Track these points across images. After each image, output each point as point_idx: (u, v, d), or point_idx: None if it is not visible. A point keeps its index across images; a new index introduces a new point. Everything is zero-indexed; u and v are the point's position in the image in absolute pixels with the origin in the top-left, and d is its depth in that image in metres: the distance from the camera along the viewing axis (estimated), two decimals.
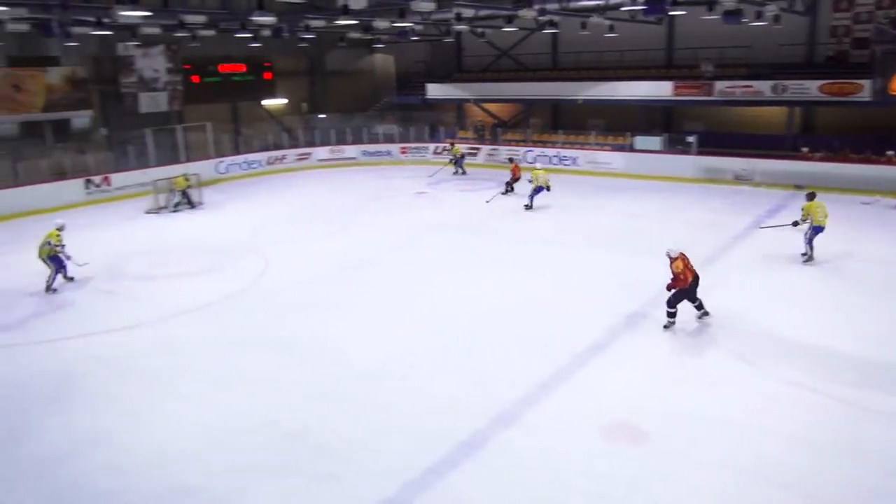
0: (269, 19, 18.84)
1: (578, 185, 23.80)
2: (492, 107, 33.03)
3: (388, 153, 30.20)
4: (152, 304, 12.95)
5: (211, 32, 24.42)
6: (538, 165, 21.54)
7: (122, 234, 18.51)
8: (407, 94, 33.71)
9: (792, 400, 8.72)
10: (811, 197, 14.38)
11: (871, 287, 12.76)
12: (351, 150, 30.19)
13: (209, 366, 10.26)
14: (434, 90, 31.78)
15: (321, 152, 29.91)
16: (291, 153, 29.47)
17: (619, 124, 27.00)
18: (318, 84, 34.49)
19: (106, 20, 19.13)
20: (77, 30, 20.88)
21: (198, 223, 19.98)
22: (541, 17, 22.54)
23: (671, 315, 10.86)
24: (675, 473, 7.31)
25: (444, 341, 10.84)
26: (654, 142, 25.38)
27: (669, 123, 28.00)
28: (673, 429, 8.13)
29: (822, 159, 21.94)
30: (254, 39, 25.17)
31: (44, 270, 13.67)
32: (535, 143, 28.10)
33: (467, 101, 32.14)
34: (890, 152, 20.81)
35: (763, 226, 16.54)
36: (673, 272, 10.58)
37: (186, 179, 21.77)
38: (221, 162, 27.08)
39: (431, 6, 17.22)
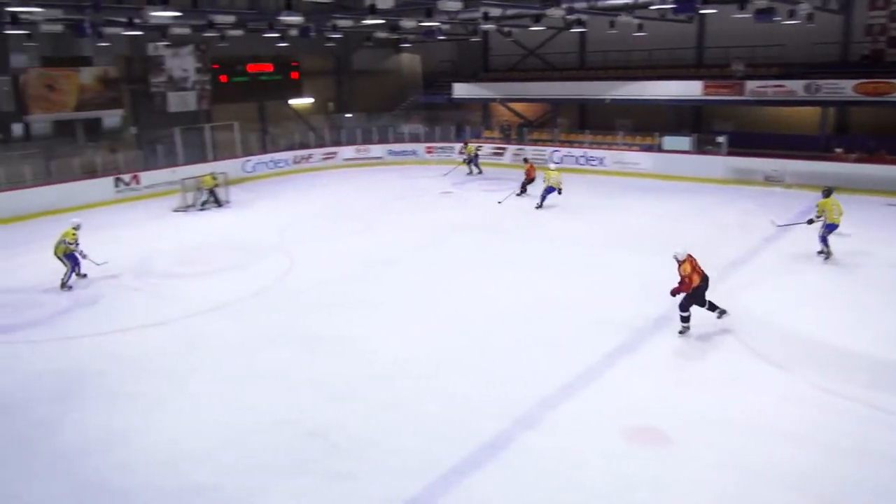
0: (296, 19, 18.95)
1: (605, 186, 23.57)
2: (518, 106, 32.83)
3: (414, 153, 30.20)
4: (177, 301, 13.06)
5: (239, 32, 24.62)
6: (552, 166, 21.40)
7: (149, 232, 18.72)
8: (433, 93, 33.64)
9: (819, 405, 8.52)
10: (827, 193, 14.09)
11: (889, 288, 12.55)
12: (377, 150, 30.25)
13: (229, 364, 10.27)
14: (460, 90, 31.69)
15: (347, 151, 30.01)
16: (318, 152, 29.59)
17: (647, 124, 26.70)
18: (344, 83, 34.60)
19: (137, 21, 19.41)
20: (109, 30, 21.22)
21: (224, 222, 20.14)
22: (568, 16, 22.32)
23: (685, 319, 10.66)
24: (696, 476, 7.18)
25: (468, 341, 10.77)
26: (683, 142, 25.00)
27: (699, 123, 27.62)
28: (693, 431, 8.00)
29: (856, 160, 21.45)
30: (281, 39, 25.36)
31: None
32: (562, 144, 27.87)
33: (493, 100, 31.99)
34: None
35: (778, 223, 16.20)
36: (680, 275, 10.39)
37: (214, 178, 21.99)
38: (248, 161, 27.33)
39: (458, 5, 17.17)
